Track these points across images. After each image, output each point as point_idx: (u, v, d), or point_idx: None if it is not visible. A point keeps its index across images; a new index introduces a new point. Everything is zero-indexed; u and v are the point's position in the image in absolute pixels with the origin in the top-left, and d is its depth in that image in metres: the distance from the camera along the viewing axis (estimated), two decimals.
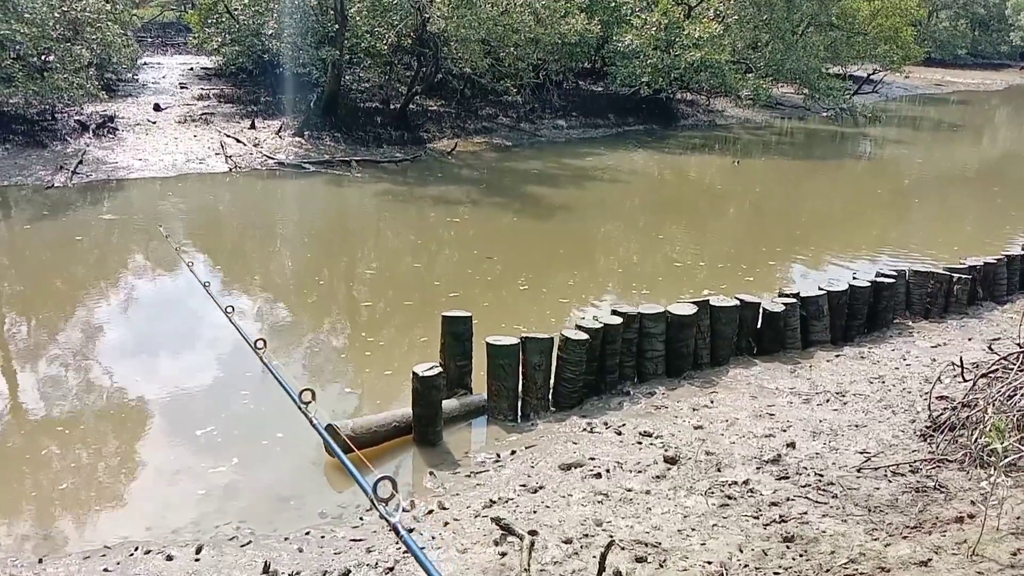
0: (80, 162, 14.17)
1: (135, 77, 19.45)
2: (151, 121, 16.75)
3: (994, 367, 5.57)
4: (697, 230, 12.98)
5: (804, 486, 4.53)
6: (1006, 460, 4.23)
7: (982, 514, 3.86)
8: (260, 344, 3.56)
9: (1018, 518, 3.88)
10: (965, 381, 5.79)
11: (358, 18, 17.49)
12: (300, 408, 2.25)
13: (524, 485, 4.76)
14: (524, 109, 21.32)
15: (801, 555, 3.77)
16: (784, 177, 17.90)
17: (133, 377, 6.67)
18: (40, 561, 4.18)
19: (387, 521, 2.10)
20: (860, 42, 27.61)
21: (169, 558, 4.13)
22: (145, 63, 20.45)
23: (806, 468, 4.77)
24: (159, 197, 13.17)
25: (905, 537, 3.88)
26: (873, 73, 32.14)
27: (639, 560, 3.79)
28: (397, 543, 4.16)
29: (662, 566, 3.74)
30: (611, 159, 18.07)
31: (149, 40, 23.98)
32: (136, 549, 4.24)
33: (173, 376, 6.70)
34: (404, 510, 4.60)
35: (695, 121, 24.57)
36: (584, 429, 5.54)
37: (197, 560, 4.12)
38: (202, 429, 5.76)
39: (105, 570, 4.04)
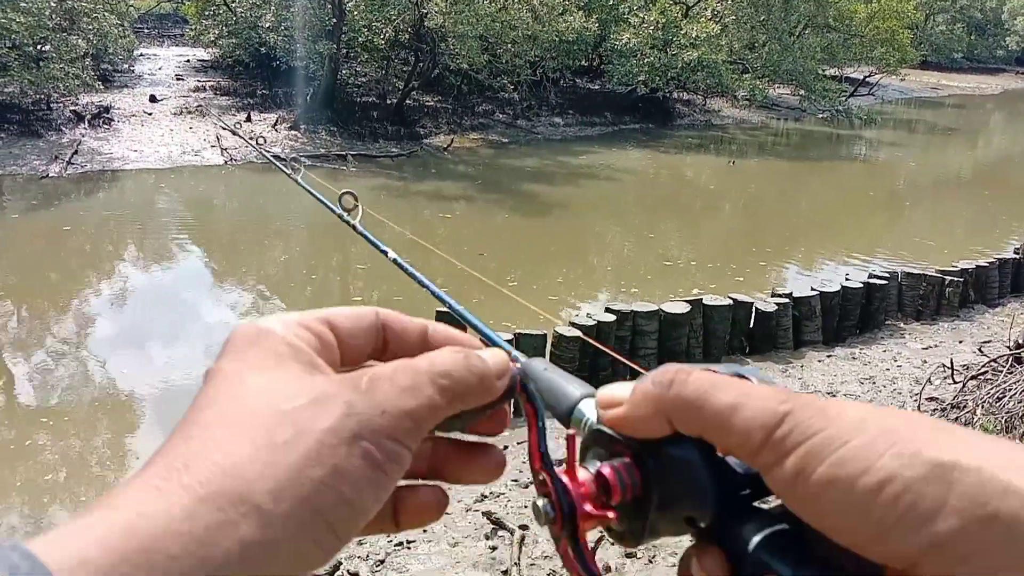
0: (75, 152, 14.14)
1: (131, 68, 19.41)
2: (147, 112, 16.72)
3: (984, 369, 5.62)
4: (691, 229, 13.02)
5: None
6: None
7: None
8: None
9: None
10: (955, 383, 5.84)
11: (355, 12, 17.48)
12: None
13: (515, 480, 4.78)
14: (521, 106, 21.33)
15: None
16: (779, 178, 17.95)
17: (125, 368, 6.68)
18: None
19: (348, 223, 2.24)
20: (857, 44, 27.67)
21: None
22: (141, 54, 20.42)
23: None
24: (154, 189, 13.15)
25: None
26: (869, 75, 32.23)
27: (629, 556, 3.82)
28: (388, 536, 4.18)
29: (651, 561, 3.77)
30: (607, 157, 18.10)
31: (146, 31, 23.92)
32: None
33: (165, 367, 6.70)
34: None
35: (691, 121, 24.61)
36: None
37: None
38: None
39: None
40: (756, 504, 0.42)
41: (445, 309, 4.91)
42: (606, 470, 0.44)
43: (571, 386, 0.53)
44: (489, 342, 0.95)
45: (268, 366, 0.42)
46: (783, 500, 0.39)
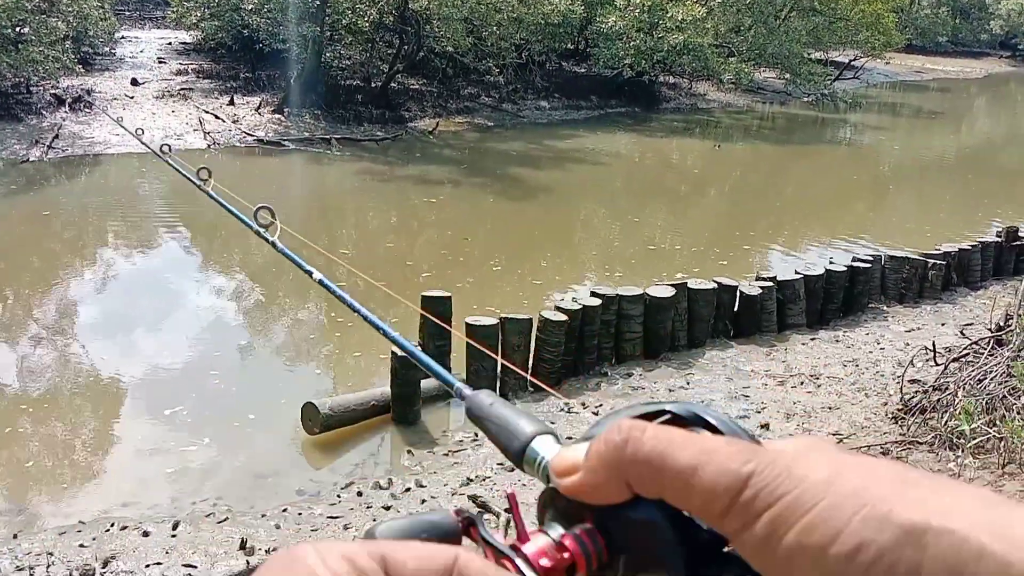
0: (56, 136, 13.98)
1: (112, 51, 19.16)
2: (128, 96, 16.54)
3: (965, 351, 5.67)
4: (676, 213, 13.03)
5: None
6: (974, 442, 4.32)
7: None
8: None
9: None
10: (937, 365, 5.89)
11: None
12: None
13: (501, 463, 4.79)
14: (506, 89, 21.23)
15: None
16: (764, 161, 17.98)
17: (108, 354, 6.64)
18: (15, 536, 4.17)
19: (265, 239, 2.11)
20: (842, 28, 27.68)
21: (145, 534, 4.13)
22: (123, 37, 20.15)
23: None
24: (136, 173, 13.03)
25: None
26: (855, 59, 32.26)
27: None
28: (375, 520, 4.19)
29: None
30: (593, 141, 18.07)
31: (127, 13, 23.60)
32: (112, 525, 4.24)
33: (149, 354, 6.66)
34: (380, 487, 4.63)
35: (677, 104, 24.58)
36: (562, 409, 5.59)
37: (174, 536, 4.12)
38: (178, 407, 5.74)
39: (81, 545, 4.04)
40: (726, 550, 0.40)
41: (431, 294, 4.86)
42: (567, 540, 0.42)
43: (522, 422, 0.50)
44: (435, 376, 0.92)
45: None
46: (753, 565, 0.38)
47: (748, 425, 5.18)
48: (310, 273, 1.60)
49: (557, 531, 0.43)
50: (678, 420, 0.44)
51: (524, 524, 0.44)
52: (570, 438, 0.61)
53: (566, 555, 0.42)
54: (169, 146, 3.75)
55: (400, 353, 5.32)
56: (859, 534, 0.34)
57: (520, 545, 0.43)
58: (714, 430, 0.43)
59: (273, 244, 2.04)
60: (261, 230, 2.06)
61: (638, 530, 0.41)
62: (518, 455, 0.48)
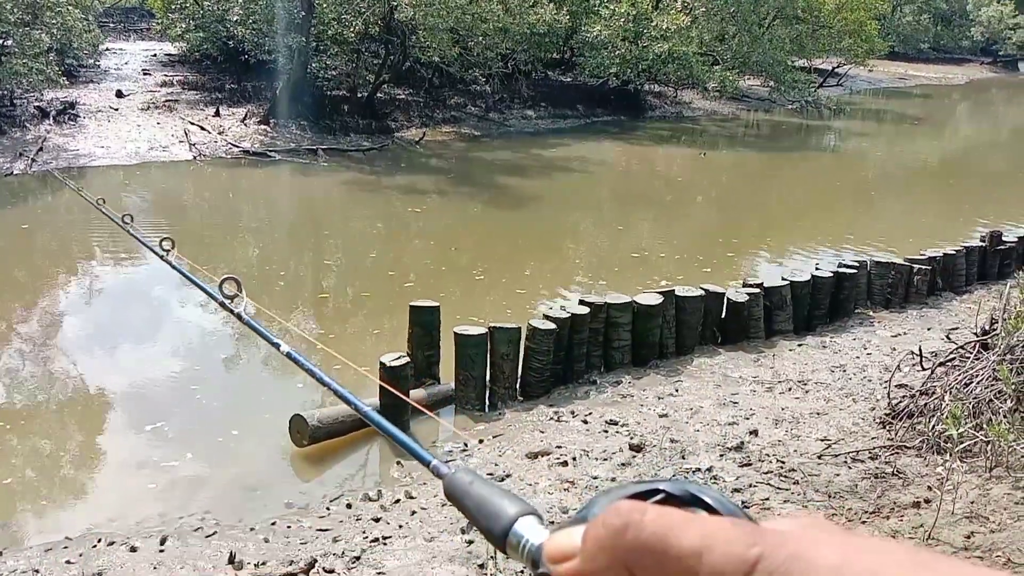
0: (40, 149, 13.91)
1: (97, 63, 19.09)
2: (113, 108, 16.47)
3: (952, 356, 5.70)
4: (661, 221, 13.07)
5: (766, 473, 4.61)
6: (961, 446, 4.34)
7: (938, 499, 3.96)
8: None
9: (972, 502, 3.98)
10: (924, 370, 5.91)
11: (324, 5, 17.32)
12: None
13: (491, 474, 4.78)
14: (493, 99, 21.28)
15: None
16: (749, 169, 18.07)
17: (93, 367, 6.59)
18: (0, 553, 4.12)
19: (231, 312, 2.09)
20: (825, 35, 27.91)
21: (133, 549, 4.09)
22: (107, 49, 20.08)
23: (768, 455, 4.84)
24: (121, 186, 12.97)
25: (864, 522, 3.97)
26: (838, 66, 32.53)
27: None
28: (364, 532, 4.17)
29: None
30: (579, 150, 18.11)
31: (111, 25, 23.52)
32: (99, 540, 4.20)
33: (134, 367, 6.62)
34: (370, 499, 4.61)
35: (663, 112, 24.69)
36: (551, 418, 5.58)
37: (162, 551, 4.09)
38: (165, 421, 5.70)
39: (68, 562, 3.99)
40: None
41: (419, 304, 4.81)
42: None
43: (504, 502, 0.48)
44: (410, 452, 0.89)
45: None
46: None
47: (738, 431, 5.20)
48: (278, 346, 1.57)
49: None
50: (673, 499, 0.42)
51: None
52: (552, 523, 0.59)
53: None
54: (131, 216, 3.69)
55: (389, 364, 5.32)
56: None
57: None
58: (711, 510, 0.41)
59: (239, 316, 2.01)
60: (226, 301, 2.04)
61: None
62: (500, 538, 0.46)
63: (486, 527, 0.48)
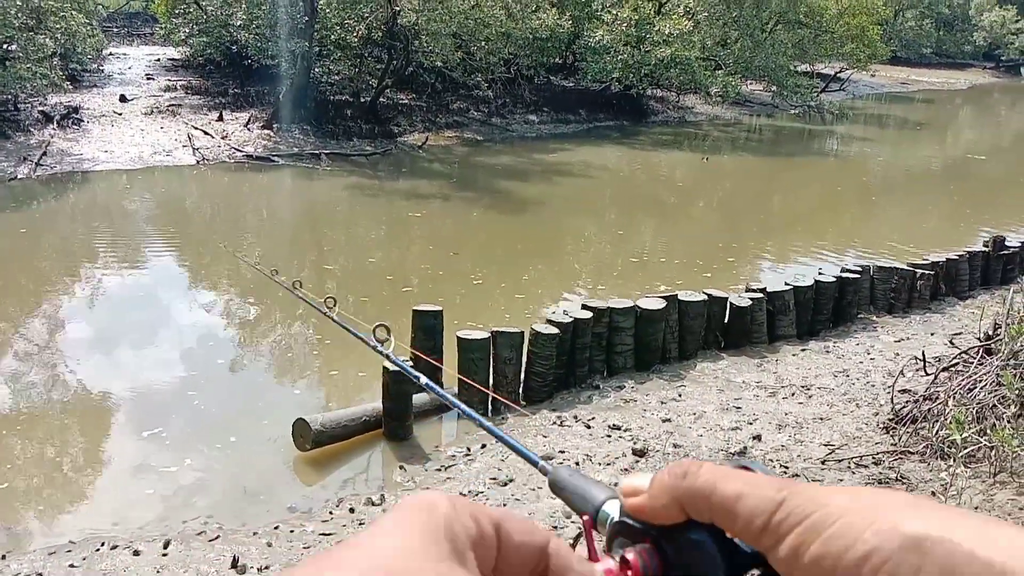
0: (44, 154, 13.94)
1: (100, 68, 19.15)
2: (117, 112, 16.51)
3: (955, 361, 5.69)
4: (663, 226, 13.07)
5: None
6: (965, 451, 4.33)
7: None
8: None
9: (976, 508, 3.97)
10: (927, 375, 5.90)
11: (327, 10, 17.37)
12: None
13: (494, 479, 4.78)
14: (495, 104, 21.30)
15: None
16: (752, 173, 18.07)
17: (97, 372, 6.59)
18: (3, 557, 4.13)
19: (381, 354, 2.39)
20: (827, 40, 27.92)
21: (136, 553, 4.10)
22: (111, 53, 20.15)
23: (772, 460, 4.84)
24: (124, 190, 13.00)
25: None
26: (840, 71, 32.53)
27: None
28: None
29: None
30: (581, 155, 18.12)
31: (115, 30, 23.62)
32: (102, 544, 4.20)
33: (138, 372, 6.63)
34: (373, 503, 4.61)
35: (665, 117, 24.71)
36: (554, 422, 5.57)
37: (165, 555, 4.09)
38: (169, 425, 5.71)
39: (71, 566, 4.00)
40: (755, 573, 0.49)
41: (422, 308, 4.84)
42: (630, 555, 0.51)
43: (595, 490, 0.62)
44: (520, 455, 1.04)
45: (418, 537, 0.42)
46: (783, 575, 0.45)
47: (741, 436, 5.19)
48: (417, 379, 1.83)
49: (620, 552, 0.52)
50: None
51: (595, 546, 0.53)
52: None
53: (628, 573, 0.50)
54: (300, 281, 3.93)
55: (392, 368, 5.32)
56: (870, 543, 0.41)
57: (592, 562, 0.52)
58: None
59: (387, 356, 2.38)
60: (378, 345, 2.34)
61: (689, 549, 0.50)
62: (593, 517, 0.60)
63: (581, 510, 0.61)
